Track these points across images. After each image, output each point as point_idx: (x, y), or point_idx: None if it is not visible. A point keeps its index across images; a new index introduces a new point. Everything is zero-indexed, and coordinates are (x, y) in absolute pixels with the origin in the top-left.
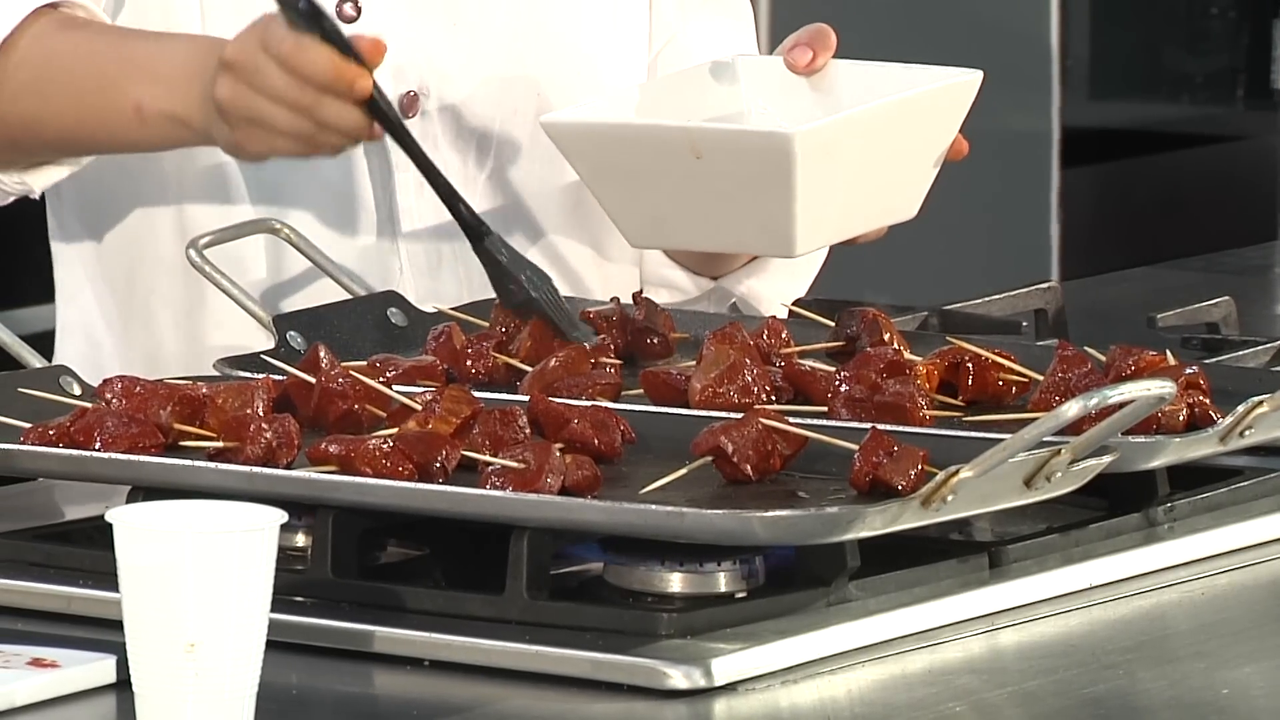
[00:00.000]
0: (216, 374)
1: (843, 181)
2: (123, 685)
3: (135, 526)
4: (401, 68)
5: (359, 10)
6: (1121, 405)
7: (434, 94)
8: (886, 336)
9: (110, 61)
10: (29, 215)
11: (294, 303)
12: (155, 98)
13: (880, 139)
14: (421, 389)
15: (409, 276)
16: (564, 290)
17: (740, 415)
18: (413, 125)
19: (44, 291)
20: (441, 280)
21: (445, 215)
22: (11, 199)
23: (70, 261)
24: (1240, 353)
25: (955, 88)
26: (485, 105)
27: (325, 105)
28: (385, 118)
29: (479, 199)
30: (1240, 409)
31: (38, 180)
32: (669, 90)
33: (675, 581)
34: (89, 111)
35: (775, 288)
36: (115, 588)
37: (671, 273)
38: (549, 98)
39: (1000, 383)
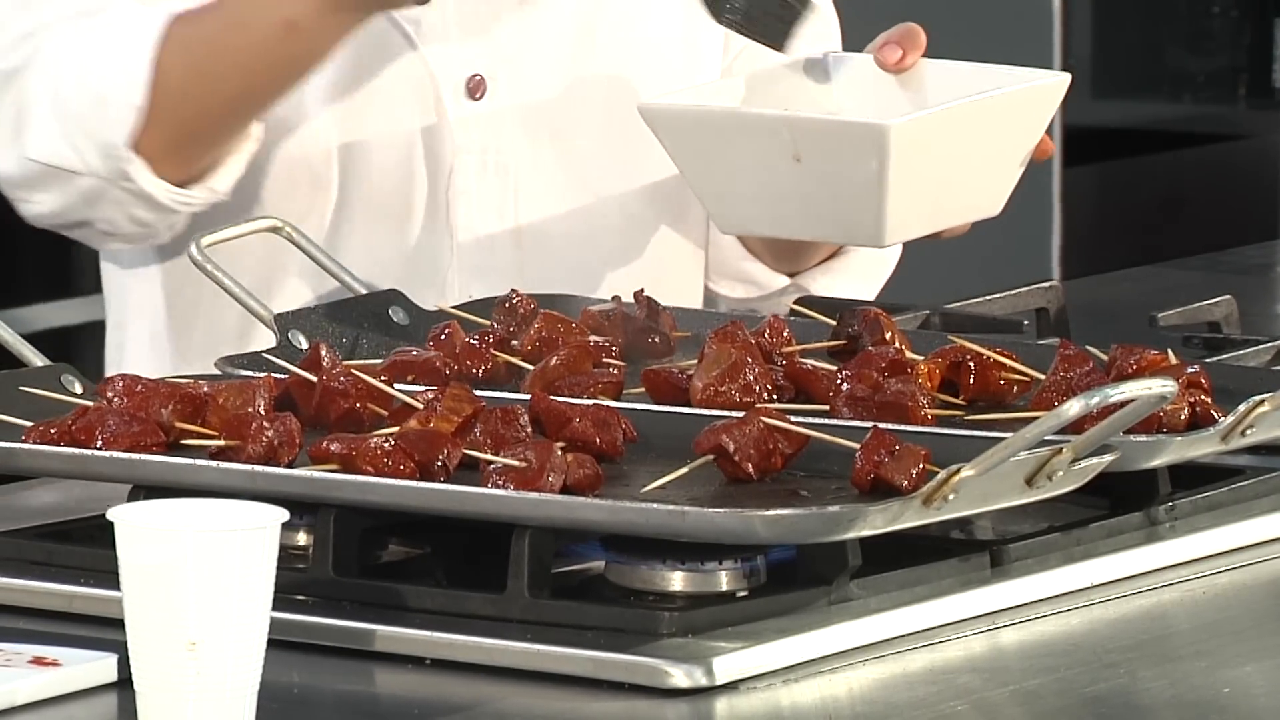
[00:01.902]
0: (218, 372)
1: (933, 175)
2: (124, 684)
3: (136, 525)
4: (468, 51)
5: None
6: (1123, 404)
7: (501, 79)
8: (888, 335)
9: (242, 12)
10: None
11: (296, 301)
12: (295, 3)
13: (971, 135)
14: (423, 388)
15: (456, 271)
16: (646, 284)
17: (742, 414)
18: (482, 108)
19: (44, 291)
20: (491, 275)
21: (499, 215)
22: (199, 206)
23: (129, 259)
24: (1241, 352)
25: (1045, 88)
26: (555, 95)
27: None
28: None
29: (556, 193)
30: (1241, 408)
31: (221, 180)
32: (761, 82)
33: (677, 580)
34: (247, 64)
35: (849, 287)
36: (116, 586)
37: (749, 265)
38: (619, 91)
39: (1002, 382)
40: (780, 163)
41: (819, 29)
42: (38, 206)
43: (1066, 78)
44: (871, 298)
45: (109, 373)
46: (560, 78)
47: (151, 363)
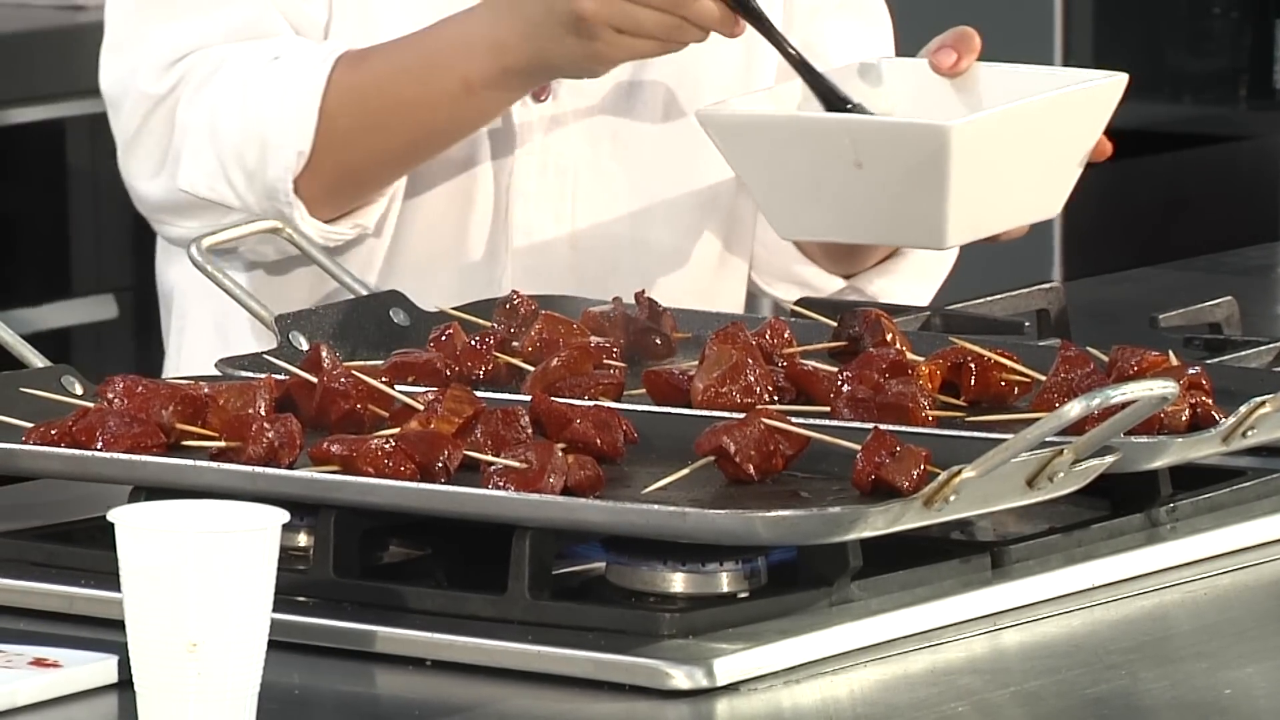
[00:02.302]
0: (218, 374)
1: (994, 176)
2: (124, 685)
3: (137, 526)
4: None
5: None
6: (1124, 405)
7: (565, 82)
8: (889, 337)
9: (418, 66)
10: (30, 215)
11: (297, 302)
12: (475, 63)
13: (1030, 136)
14: (424, 389)
15: (510, 271)
16: (692, 289)
17: (743, 415)
18: (544, 110)
19: (44, 291)
20: (544, 277)
21: (556, 218)
22: (349, 237)
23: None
24: (1242, 353)
25: (1103, 88)
26: (614, 101)
27: (695, 1)
28: (748, 9)
29: (617, 195)
30: (1243, 409)
31: (369, 217)
32: None
33: (677, 581)
34: (419, 119)
35: (906, 288)
36: (117, 587)
37: (804, 269)
38: (678, 96)
39: (1002, 383)
40: (840, 167)
41: (874, 33)
42: (180, 231)
43: (1124, 78)
44: (929, 298)
45: (168, 360)
46: (622, 82)
47: (212, 351)
